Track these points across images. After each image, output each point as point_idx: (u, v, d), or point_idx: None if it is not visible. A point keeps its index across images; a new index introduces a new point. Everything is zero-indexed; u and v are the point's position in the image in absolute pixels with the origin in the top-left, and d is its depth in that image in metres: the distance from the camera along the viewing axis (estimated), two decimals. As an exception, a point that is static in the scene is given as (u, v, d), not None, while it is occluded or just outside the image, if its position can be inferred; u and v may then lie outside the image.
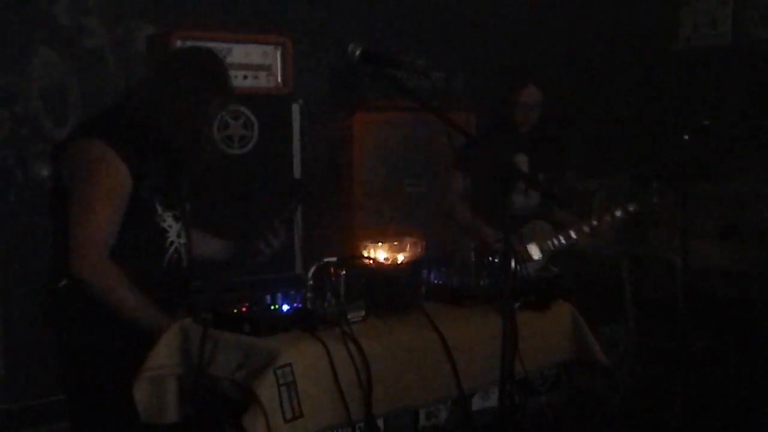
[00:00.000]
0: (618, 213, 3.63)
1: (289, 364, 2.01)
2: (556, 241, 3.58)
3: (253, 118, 3.66)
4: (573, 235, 3.60)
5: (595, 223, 3.61)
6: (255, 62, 3.70)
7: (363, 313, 2.27)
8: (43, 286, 2.47)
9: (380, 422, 2.18)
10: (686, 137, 3.57)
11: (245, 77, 3.66)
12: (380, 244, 2.42)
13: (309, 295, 2.23)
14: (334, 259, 2.28)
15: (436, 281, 2.58)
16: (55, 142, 2.80)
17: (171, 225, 2.49)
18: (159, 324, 2.34)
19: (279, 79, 3.74)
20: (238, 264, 2.74)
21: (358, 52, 2.36)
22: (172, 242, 2.50)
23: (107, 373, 2.35)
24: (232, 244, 2.82)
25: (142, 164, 2.40)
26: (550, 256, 3.56)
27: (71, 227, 2.34)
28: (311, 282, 2.23)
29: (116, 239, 2.37)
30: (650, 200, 3.63)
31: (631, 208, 3.61)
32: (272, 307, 2.25)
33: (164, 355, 2.24)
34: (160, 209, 2.46)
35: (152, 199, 2.44)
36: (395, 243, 2.43)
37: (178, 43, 3.49)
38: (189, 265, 2.57)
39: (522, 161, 3.67)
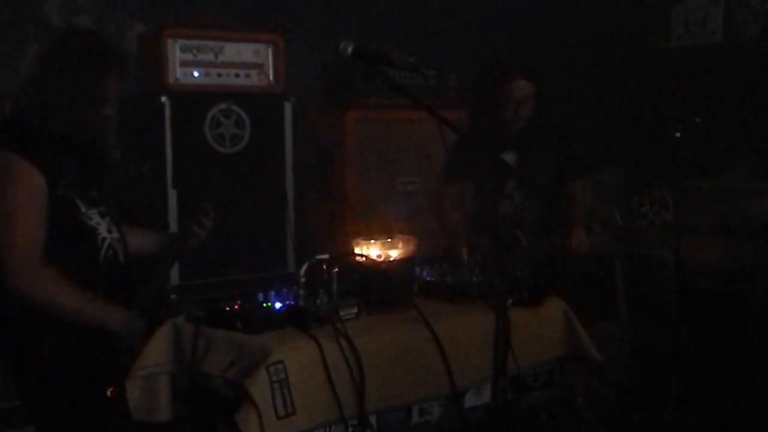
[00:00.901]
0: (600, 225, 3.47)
1: (282, 362, 2.01)
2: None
3: (245, 116, 3.65)
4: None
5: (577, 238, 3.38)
6: (247, 60, 3.69)
7: (355, 310, 2.27)
8: None
9: (373, 419, 2.18)
10: (678, 135, 3.58)
11: (237, 75, 3.65)
12: (373, 241, 2.42)
13: (301, 292, 2.23)
14: (326, 256, 2.27)
15: (428, 278, 2.58)
16: None
17: (99, 222, 2.44)
18: (109, 315, 2.33)
19: (271, 78, 3.74)
20: (174, 251, 2.69)
21: (350, 49, 2.35)
22: (104, 239, 2.44)
23: (64, 377, 2.32)
24: (164, 234, 2.77)
25: (54, 164, 2.34)
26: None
27: None
28: (304, 279, 2.23)
29: (46, 244, 2.32)
30: (639, 209, 3.45)
31: (618, 220, 3.42)
32: (264, 305, 2.24)
33: (156, 354, 2.24)
34: (83, 207, 2.41)
35: (72, 197, 2.38)
36: (388, 240, 2.43)
37: (170, 42, 3.48)
38: (126, 260, 2.52)
39: (511, 160, 3.59)
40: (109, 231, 2.47)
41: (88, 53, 2.42)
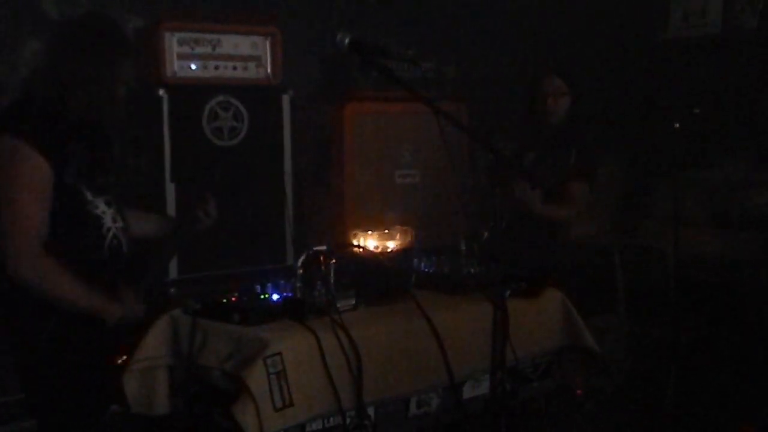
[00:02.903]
0: None
1: (279, 353, 2.01)
2: None
3: (243, 109, 3.64)
4: None
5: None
6: (244, 53, 3.68)
7: (353, 301, 2.27)
8: None
9: (371, 410, 2.18)
10: (677, 126, 3.57)
11: (234, 68, 3.64)
12: (370, 232, 2.42)
13: (299, 284, 2.23)
14: (324, 247, 2.27)
15: (426, 269, 2.58)
16: None
17: (104, 211, 2.43)
18: (107, 309, 2.33)
19: (269, 70, 3.72)
20: (179, 235, 2.69)
21: (347, 41, 2.35)
22: (109, 228, 2.43)
23: (66, 366, 2.32)
24: (169, 218, 2.77)
25: (61, 151, 2.33)
26: None
27: (1, 228, 2.28)
28: (301, 271, 2.23)
29: (51, 233, 2.31)
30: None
31: None
32: (262, 297, 2.24)
33: (154, 346, 2.24)
34: (89, 196, 2.39)
35: (79, 186, 2.37)
36: (385, 232, 2.43)
37: (167, 35, 3.47)
38: (129, 250, 2.51)
39: (528, 159, 3.68)
40: (114, 220, 2.46)
41: (104, 35, 2.41)
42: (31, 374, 2.40)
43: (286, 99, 3.76)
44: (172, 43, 3.48)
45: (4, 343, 2.43)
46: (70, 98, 2.35)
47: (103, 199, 2.44)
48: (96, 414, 2.31)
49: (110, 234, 2.44)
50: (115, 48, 2.41)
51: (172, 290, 3.35)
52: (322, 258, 2.24)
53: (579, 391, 3.44)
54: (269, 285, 2.27)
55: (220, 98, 3.58)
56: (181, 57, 3.51)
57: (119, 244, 2.46)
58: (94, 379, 2.31)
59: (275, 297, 2.24)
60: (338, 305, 2.19)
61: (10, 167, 2.28)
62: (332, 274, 2.24)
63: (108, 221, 2.43)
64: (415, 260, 2.56)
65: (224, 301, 2.20)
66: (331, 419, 2.11)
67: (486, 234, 2.33)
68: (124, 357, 2.29)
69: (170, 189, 3.47)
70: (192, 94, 3.51)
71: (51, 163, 2.30)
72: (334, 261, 2.24)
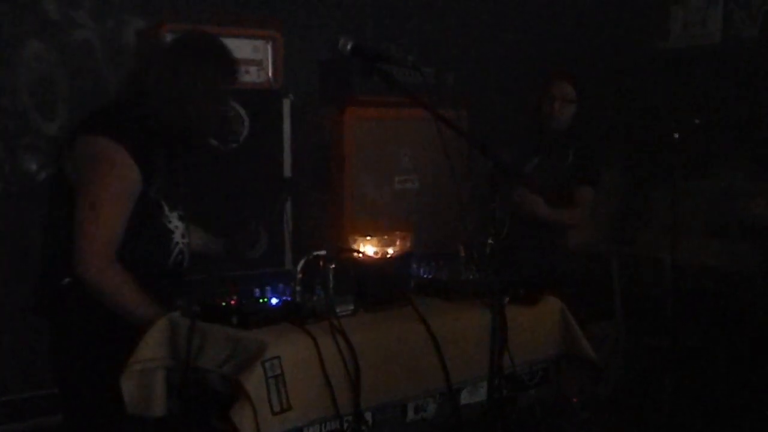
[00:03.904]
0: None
1: (278, 357, 2.01)
2: None
3: (243, 113, 3.64)
4: None
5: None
6: (245, 57, 3.68)
7: (352, 306, 2.27)
8: (41, 280, 2.43)
9: (368, 415, 2.18)
10: (676, 135, 3.58)
11: (235, 72, 3.64)
12: (369, 237, 2.42)
13: (298, 288, 2.23)
14: (323, 252, 2.27)
15: (425, 275, 2.58)
16: (57, 138, 2.74)
17: (177, 226, 2.46)
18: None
19: (269, 74, 3.73)
20: (230, 258, 2.73)
21: (349, 47, 2.36)
22: (177, 243, 2.46)
23: (106, 372, 2.31)
24: (222, 240, 2.80)
25: (152, 163, 2.35)
26: None
27: (78, 227, 2.29)
28: (300, 275, 2.23)
29: (124, 240, 2.33)
30: None
31: None
32: (261, 300, 2.24)
33: (152, 348, 2.24)
34: (167, 210, 2.43)
35: (160, 199, 2.40)
36: (384, 237, 2.43)
37: (168, 37, 3.47)
38: (190, 265, 2.54)
39: (531, 165, 3.70)
40: (183, 236, 2.48)
41: (209, 54, 2.44)
42: (67, 372, 2.41)
43: (286, 103, 3.77)
44: (174, 46, 3.48)
45: (43, 338, 2.44)
46: (167, 113, 2.37)
47: (177, 214, 2.46)
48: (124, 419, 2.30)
49: (177, 248, 2.47)
50: (218, 69, 2.44)
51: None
52: (321, 262, 2.24)
53: (575, 399, 3.44)
54: (268, 289, 2.27)
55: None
56: (182, 60, 3.51)
57: (183, 260, 2.49)
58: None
59: (274, 301, 2.24)
60: (337, 310, 2.19)
61: (103, 168, 2.29)
62: (331, 279, 2.23)
63: (178, 236, 2.46)
64: (414, 266, 2.56)
65: (223, 304, 2.20)
66: (329, 424, 2.11)
67: (490, 241, 2.33)
68: None
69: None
70: (192, 97, 3.51)
71: (141, 172, 2.32)
72: (333, 266, 2.24)
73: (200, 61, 2.40)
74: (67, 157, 2.36)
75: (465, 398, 2.40)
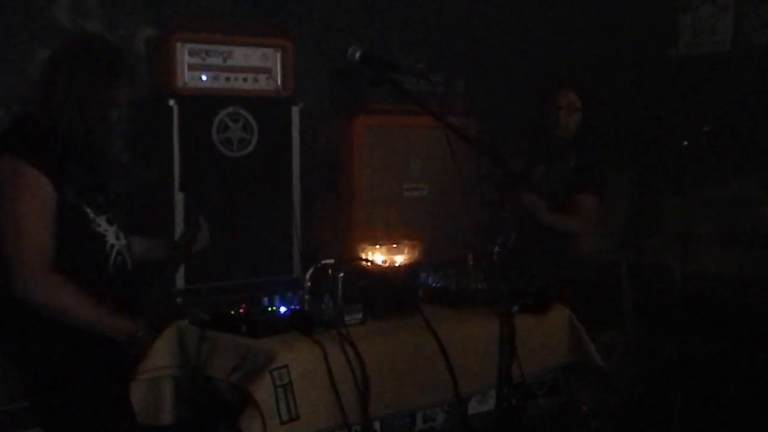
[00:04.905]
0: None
1: (286, 366, 2.01)
2: None
3: (252, 121, 3.65)
4: None
5: None
6: (255, 65, 3.69)
7: (360, 315, 2.27)
8: None
9: (377, 425, 2.18)
10: (686, 143, 3.57)
11: (245, 80, 3.65)
12: (378, 246, 2.42)
13: (306, 297, 2.23)
14: (332, 261, 2.27)
15: (433, 284, 2.58)
16: None
17: (107, 229, 2.44)
18: (117, 325, 2.33)
19: (279, 82, 3.74)
20: (175, 256, 2.70)
21: (358, 55, 2.36)
22: (112, 245, 2.45)
23: (74, 384, 2.32)
24: (162, 241, 2.78)
25: (62, 170, 2.34)
26: None
27: (8, 249, 2.28)
28: (309, 284, 2.23)
29: (56, 251, 2.32)
30: None
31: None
32: (269, 309, 2.24)
33: (161, 357, 2.24)
34: (92, 214, 2.41)
35: (81, 204, 2.38)
36: (393, 246, 2.43)
37: (178, 46, 3.49)
38: (133, 267, 2.52)
39: (538, 172, 3.70)
40: (117, 238, 2.47)
41: (97, 57, 2.43)
42: (41, 390, 2.39)
43: (295, 111, 3.77)
44: (184, 54, 3.50)
45: (9, 358, 2.43)
46: (61, 119, 2.36)
47: (104, 217, 2.45)
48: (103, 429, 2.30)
49: (114, 251, 2.45)
50: (108, 71, 2.43)
51: (179, 300, 3.35)
52: (330, 271, 2.24)
53: (584, 407, 3.43)
54: (277, 297, 2.27)
55: (230, 109, 3.59)
56: (192, 68, 3.52)
57: (124, 261, 2.48)
58: (104, 397, 2.30)
59: (283, 309, 2.24)
60: (345, 319, 2.19)
61: (13, 187, 2.29)
62: (340, 288, 2.23)
63: (111, 238, 2.44)
64: (423, 274, 2.56)
65: (232, 312, 2.20)
66: (337, 433, 2.11)
67: (497, 249, 2.33)
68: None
69: (179, 198, 3.48)
70: (202, 105, 3.53)
71: (53, 183, 2.31)
72: (342, 274, 2.24)
73: (78, 65, 2.39)
74: None
75: (474, 407, 2.39)
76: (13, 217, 2.28)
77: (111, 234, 2.45)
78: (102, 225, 2.43)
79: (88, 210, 2.40)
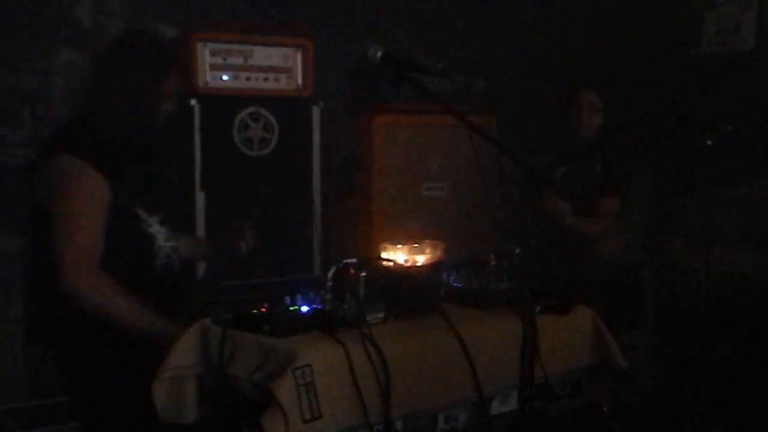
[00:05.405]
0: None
1: (308, 365, 2.01)
2: None
3: (273, 120, 3.66)
4: None
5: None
6: (275, 64, 3.70)
7: (382, 315, 2.27)
8: (31, 308, 2.46)
9: (398, 424, 2.17)
10: (709, 142, 3.54)
11: (266, 79, 3.67)
12: (400, 246, 2.41)
13: (328, 296, 2.23)
14: (353, 260, 2.27)
15: (455, 284, 2.57)
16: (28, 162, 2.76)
17: (158, 230, 2.47)
18: (159, 328, 2.34)
19: (299, 82, 3.75)
20: (219, 258, 2.73)
21: (379, 54, 2.36)
22: (161, 247, 2.48)
23: (113, 382, 2.35)
24: (205, 242, 2.80)
25: (117, 171, 2.37)
26: None
27: (58, 246, 2.31)
28: (330, 283, 2.23)
29: (105, 250, 2.34)
30: None
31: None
32: (291, 308, 2.24)
33: (184, 355, 2.25)
34: (144, 215, 2.43)
35: (133, 205, 2.41)
36: (415, 245, 2.42)
37: (199, 46, 3.50)
38: (180, 268, 2.55)
39: (560, 172, 3.69)
40: (167, 239, 2.50)
41: (146, 51, 2.44)
42: (80, 384, 2.43)
43: (316, 110, 3.78)
44: (205, 54, 3.52)
45: (52, 349, 2.46)
46: (117, 115, 2.38)
47: (156, 218, 2.47)
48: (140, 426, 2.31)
49: (163, 252, 2.48)
50: (158, 62, 2.44)
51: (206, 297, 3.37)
52: (352, 271, 2.24)
53: (605, 408, 3.41)
54: (299, 296, 2.27)
55: (251, 109, 3.60)
56: (214, 67, 3.54)
57: (171, 263, 2.51)
58: (140, 395, 2.32)
59: (304, 309, 2.24)
60: (367, 318, 2.18)
61: (70, 185, 2.32)
62: (362, 287, 2.23)
63: (161, 240, 2.47)
64: (445, 274, 2.55)
65: (254, 311, 2.20)
66: (359, 432, 2.10)
67: (518, 249, 2.32)
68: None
69: (200, 198, 3.49)
70: (223, 105, 3.54)
71: (108, 182, 2.34)
72: (364, 274, 2.24)
73: (125, 60, 2.41)
74: (35, 180, 2.40)
75: (496, 408, 2.38)
76: (67, 214, 2.32)
77: (161, 235, 2.48)
78: (153, 226, 2.46)
79: (140, 211, 2.43)
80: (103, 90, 2.40)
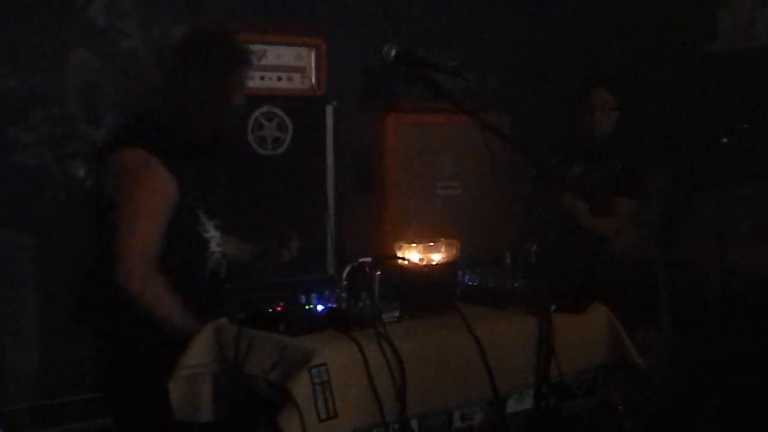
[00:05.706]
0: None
1: (324, 364, 2.01)
2: None
3: (287, 119, 3.67)
4: None
5: None
6: (289, 64, 3.71)
7: (397, 313, 2.27)
8: (83, 288, 2.47)
9: (414, 423, 2.17)
10: (725, 140, 3.53)
11: (279, 79, 3.67)
12: (414, 244, 2.41)
13: (343, 295, 2.23)
14: (368, 259, 2.27)
15: (470, 282, 2.56)
16: (95, 146, 2.78)
17: (213, 235, 2.48)
18: (196, 333, 2.34)
19: (313, 81, 3.75)
20: (262, 263, 2.74)
21: (393, 53, 2.36)
22: (213, 252, 2.49)
23: (151, 378, 2.34)
24: (248, 246, 2.81)
25: (186, 172, 2.38)
26: None
27: (119, 238, 2.32)
28: (346, 282, 2.23)
29: (162, 248, 2.36)
30: None
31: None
32: (307, 307, 2.24)
33: (199, 354, 2.25)
34: (203, 219, 2.45)
35: (196, 208, 2.42)
36: (430, 244, 2.42)
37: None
38: (226, 275, 2.56)
39: (575, 171, 3.67)
40: (219, 245, 2.51)
41: (214, 49, 2.44)
42: (114, 380, 2.45)
43: (329, 110, 3.78)
44: (218, 54, 3.52)
45: (87, 344, 2.47)
46: (189, 114, 2.39)
47: (213, 223, 2.49)
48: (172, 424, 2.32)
49: (214, 257, 2.49)
50: (227, 60, 2.44)
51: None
52: (367, 269, 2.24)
53: (620, 407, 3.40)
54: (314, 295, 2.27)
55: (265, 108, 3.61)
56: (227, 67, 3.54)
57: (219, 269, 2.52)
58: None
59: (320, 308, 2.24)
60: (383, 317, 2.18)
61: (139, 179, 2.32)
62: (377, 286, 2.23)
63: (214, 245, 2.49)
64: (460, 273, 2.55)
65: (269, 310, 2.21)
66: (375, 431, 2.10)
67: (534, 247, 2.31)
68: None
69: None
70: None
71: (177, 182, 2.35)
72: (379, 273, 2.24)
73: (196, 59, 2.40)
74: (105, 170, 2.40)
75: (512, 406, 2.38)
76: (134, 207, 2.32)
77: (215, 240, 2.49)
78: (210, 231, 2.47)
79: (201, 214, 2.44)
80: (175, 89, 2.40)
